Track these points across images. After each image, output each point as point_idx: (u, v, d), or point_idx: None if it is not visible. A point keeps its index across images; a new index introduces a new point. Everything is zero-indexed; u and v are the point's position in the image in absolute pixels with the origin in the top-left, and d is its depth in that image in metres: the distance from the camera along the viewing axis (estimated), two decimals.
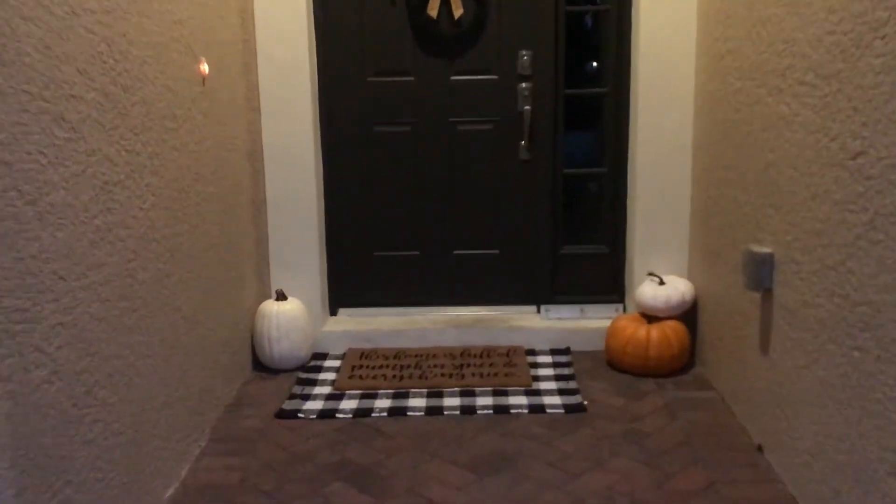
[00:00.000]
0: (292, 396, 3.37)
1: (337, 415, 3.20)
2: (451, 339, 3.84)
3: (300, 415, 3.20)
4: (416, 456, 2.87)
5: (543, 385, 3.43)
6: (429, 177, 3.94)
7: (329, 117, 3.88)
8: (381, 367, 3.62)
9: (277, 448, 2.96)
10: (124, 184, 2.39)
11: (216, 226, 3.21)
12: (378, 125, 3.91)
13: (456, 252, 4.02)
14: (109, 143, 2.30)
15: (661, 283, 3.62)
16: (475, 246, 4.02)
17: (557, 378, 3.50)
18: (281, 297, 3.68)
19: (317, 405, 3.29)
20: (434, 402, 3.29)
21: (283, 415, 3.21)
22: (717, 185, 3.31)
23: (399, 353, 3.76)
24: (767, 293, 2.76)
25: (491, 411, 3.19)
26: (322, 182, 3.86)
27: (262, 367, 3.67)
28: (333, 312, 4.02)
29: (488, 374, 3.50)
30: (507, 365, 3.61)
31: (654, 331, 3.49)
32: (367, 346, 3.85)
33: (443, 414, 3.19)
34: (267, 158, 3.72)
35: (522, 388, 3.40)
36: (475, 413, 3.19)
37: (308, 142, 3.71)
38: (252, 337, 3.67)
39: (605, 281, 3.99)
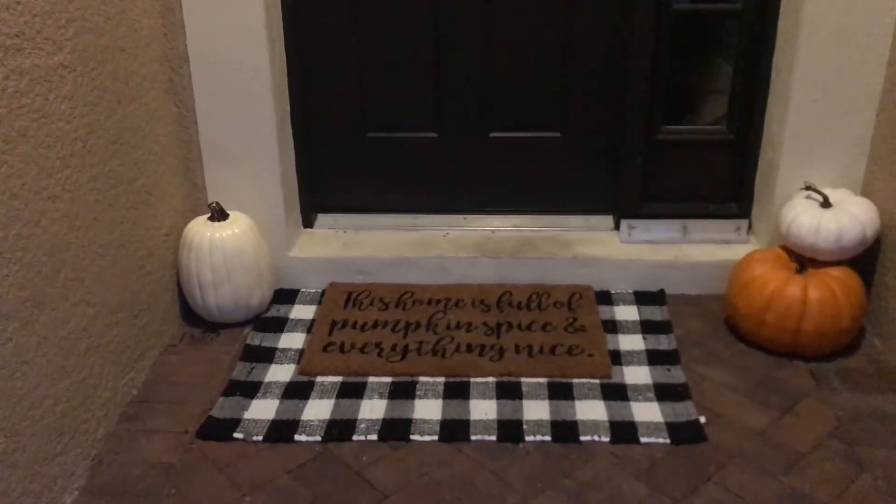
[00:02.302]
0: (231, 388, 2.12)
1: (297, 436, 1.96)
2: (485, 274, 2.53)
3: (237, 434, 1.97)
4: None
5: (630, 374, 2.15)
6: (452, 14, 2.45)
7: None
8: (374, 325, 2.34)
9: None
10: None
11: (82, 119, 1.84)
12: None
13: (494, 135, 2.61)
14: None
15: (826, 203, 2.23)
16: (524, 125, 2.59)
17: (652, 358, 2.21)
18: (218, 214, 2.34)
19: (268, 409, 2.05)
20: (455, 409, 2.03)
21: (210, 431, 1.98)
22: None
23: (405, 297, 2.47)
24: None
25: (549, 438, 1.94)
26: (281, 22, 2.39)
27: (196, 317, 2.41)
28: (308, 222, 2.69)
29: (541, 350, 2.22)
30: (569, 327, 2.32)
31: (815, 288, 2.15)
32: (358, 279, 2.55)
33: (469, 440, 1.94)
34: None
35: (597, 381, 2.12)
36: (522, 440, 1.94)
37: None
38: (178, 276, 2.38)
39: (723, 183, 2.59)
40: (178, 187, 2.38)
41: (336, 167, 2.66)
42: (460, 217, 2.69)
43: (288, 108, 2.49)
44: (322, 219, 2.72)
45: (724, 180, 2.58)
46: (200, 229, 2.30)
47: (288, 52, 2.43)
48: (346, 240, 2.62)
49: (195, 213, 2.43)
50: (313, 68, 2.51)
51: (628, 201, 2.59)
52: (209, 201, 2.42)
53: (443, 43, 2.48)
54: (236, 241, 2.30)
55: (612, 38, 2.45)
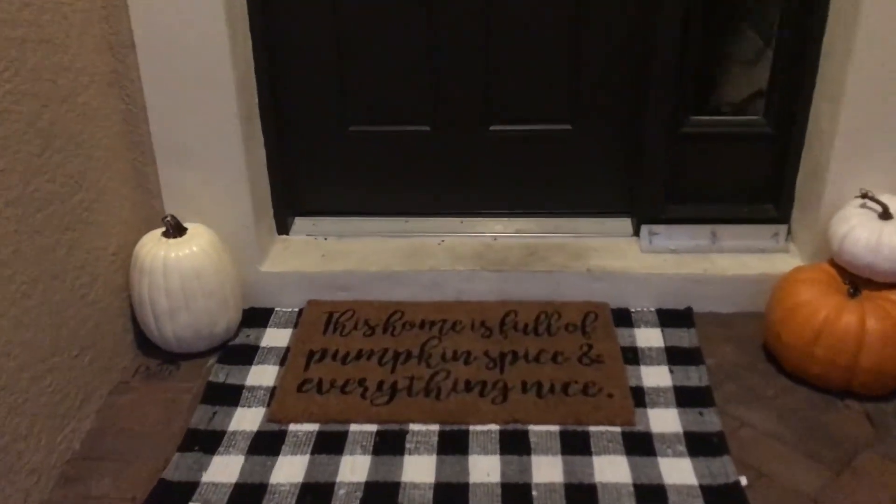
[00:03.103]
0: (188, 439, 1.81)
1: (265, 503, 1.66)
2: (485, 289, 2.20)
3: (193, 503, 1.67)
4: None
5: (656, 420, 1.84)
6: None
7: None
8: (358, 355, 2.03)
9: None
10: None
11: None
12: None
13: (495, 128, 2.26)
14: None
15: (886, 213, 1.90)
16: (529, 117, 2.25)
17: (681, 398, 1.89)
18: (173, 229, 2.01)
19: (230, 469, 1.74)
20: (451, 468, 1.72)
21: (161, 499, 1.67)
22: None
23: (394, 319, 2.15)
24: None
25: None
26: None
27: (154, 344, 2.09)
28: (283, 227, 2.35)
29: (551, 388, 1.91)
30: (584, 357, 2.00)
31: (873, 316, 1.83)
32: (341, 296, 2.23)
33: None
34: None
35: (618, 430, 1.81)
36: None
37: None
38: (131, 299, 2.06)
39: (759, 182, 2.25)
40: (127, 196, 2.05)
41: (314, 165, 2.32)
42: (457, 221, 2.36)
43: (256, 100, 2.14)
44: (299, 223, 2.38)
45: (759, 179, 2.25)
46: (153, 248, 1.97)
47: (254, 34, 2.07)
48: (327, 249, 2.29)
49: (150, 225, 2.09)
50: (285, 53, 2.16)
51: (650, 203, 2.25)
52: (165, 210, 2.10)
53: (437, 22, 2.12)
54: (195, 261, 1.97)
55: (633, 14, 2.09)
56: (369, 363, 2.00)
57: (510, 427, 1.82)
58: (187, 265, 1.96)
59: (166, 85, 1.99)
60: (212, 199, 2.11)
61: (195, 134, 2.04)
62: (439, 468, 1.72)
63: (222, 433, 1.83)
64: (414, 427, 1.82)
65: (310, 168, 2.32)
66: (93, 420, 1.88)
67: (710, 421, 1.82)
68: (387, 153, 2.30)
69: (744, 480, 1.68)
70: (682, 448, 1.76)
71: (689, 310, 2.17)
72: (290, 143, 2.27)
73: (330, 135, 2.28)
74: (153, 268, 1.94)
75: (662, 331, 2.11)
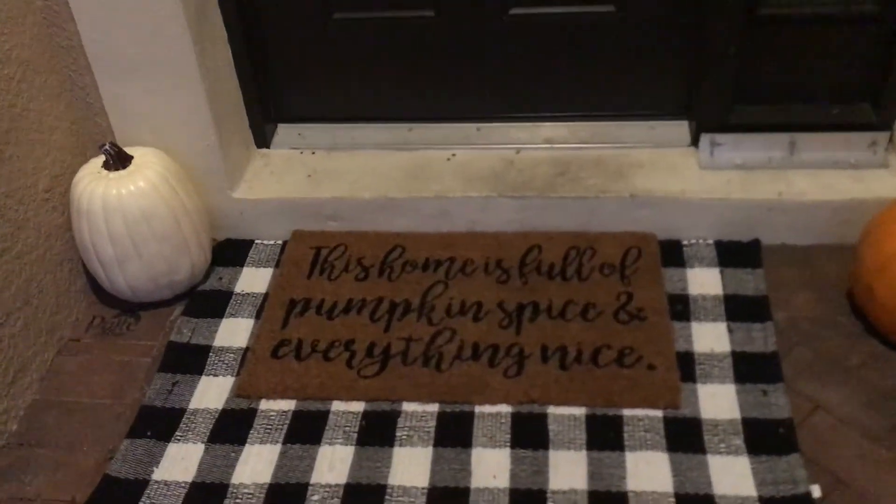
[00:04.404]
0: (141, 420, 1.52)
1: None
2: (503, 219, 1.81)
3: None
4: None
5: (707, 401, 1.47)
6: None
7: None
8: (347, 307, 1.68)
9: None
10: None
11: None
12: None
13: (515, 11, 1.78)
14: None
15: None
16: None
17: (740, 370, 1.51)
18: (114, 159, 1.63)
19: (187, 463, 1.45)
20: (450, 466, 1.41)
21: (103, 502, 1.41)
22: None
23: (391, 256, 1.79)
24: None
25: None
26: None
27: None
28: (263, 140, 1.95)
29: (578, 356, 1.54)
30: (621, 311, 1.62)
31: None
32: (331, 226, 1.86)
33: None
34: None
35: (659, 415, 1.46)
36: None
37: None
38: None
39: (854, 76, 1.75)
40: (61, 116, 1.67)
41: (294, 63, 1.89)
42: (472, 127, 1.93)
43: None
44: (283, 132, 1.99)
45: (856, 73, 1.74)
46: (90, 185, 1.61)
47: None
48: (315, 167, 1.90)
49: (97, 146, 1.72)
50: None
51: (713, 104, 1.79)
52: (113, 129, 1.73)
53: None
54: (142, 199, 1.61)
55: None
56: (360, 318, 1.66)
57: (525, 409, 1.48)
58: (132, 205, 1.60)
59: None
60: (165, 114, 1.73)
61: (133, 34, 1.63)
62: (435, 466, 1.41)
63: (181, 412, 1.53)
64: (408, 407, 1.50)
65: (289, 67, 1.89)
66: (35, 391, 1.60)
67: (775, 403, 1.45)
68: (381, 45, 1.85)
69: (816, 491, 1.33)
70: (738, 442, 1.40)
71: (755, 243, 1.75)
72: (263, 37, 1.84)
73: (310, 24, 1.83)
74: (91, 209, 1.59)
75: (721, 272, 1.70)
